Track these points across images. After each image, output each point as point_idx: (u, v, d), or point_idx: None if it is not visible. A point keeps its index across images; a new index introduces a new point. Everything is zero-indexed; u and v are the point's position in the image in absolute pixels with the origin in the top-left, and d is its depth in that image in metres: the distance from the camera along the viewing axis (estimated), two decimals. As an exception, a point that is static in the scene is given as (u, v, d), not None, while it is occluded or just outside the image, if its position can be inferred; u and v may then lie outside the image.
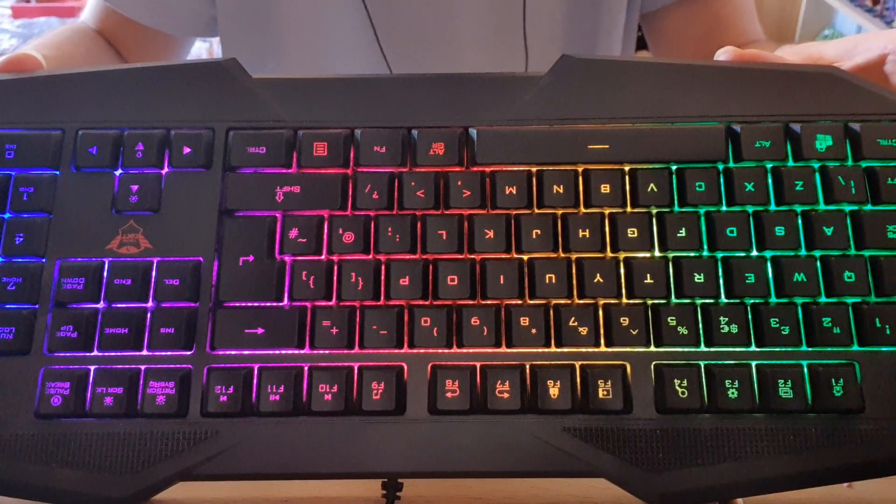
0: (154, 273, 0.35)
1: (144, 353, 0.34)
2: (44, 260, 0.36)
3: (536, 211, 0.36)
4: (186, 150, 0.37)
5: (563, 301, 0.35)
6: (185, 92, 0.38)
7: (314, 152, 0.37)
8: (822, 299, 0.34)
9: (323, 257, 0.35)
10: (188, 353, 0.34)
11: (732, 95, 0.37)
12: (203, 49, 1.92)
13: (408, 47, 0.62)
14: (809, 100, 0.37)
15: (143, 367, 0.34)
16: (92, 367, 0.34)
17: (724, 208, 0.36)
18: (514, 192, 0.36)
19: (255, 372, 0.34)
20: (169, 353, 0.34)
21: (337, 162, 0.37)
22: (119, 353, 0.34)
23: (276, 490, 0.36)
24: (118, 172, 0.37)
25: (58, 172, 0.37)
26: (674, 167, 0.36)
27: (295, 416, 0.34)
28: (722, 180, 0.36)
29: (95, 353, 0.34)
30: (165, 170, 0.37)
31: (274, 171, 0.37)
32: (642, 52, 0.98)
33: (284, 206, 0.36)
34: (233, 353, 0.34)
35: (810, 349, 0.34)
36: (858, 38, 0.40)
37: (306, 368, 0.34)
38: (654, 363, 0.34)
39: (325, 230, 0.36)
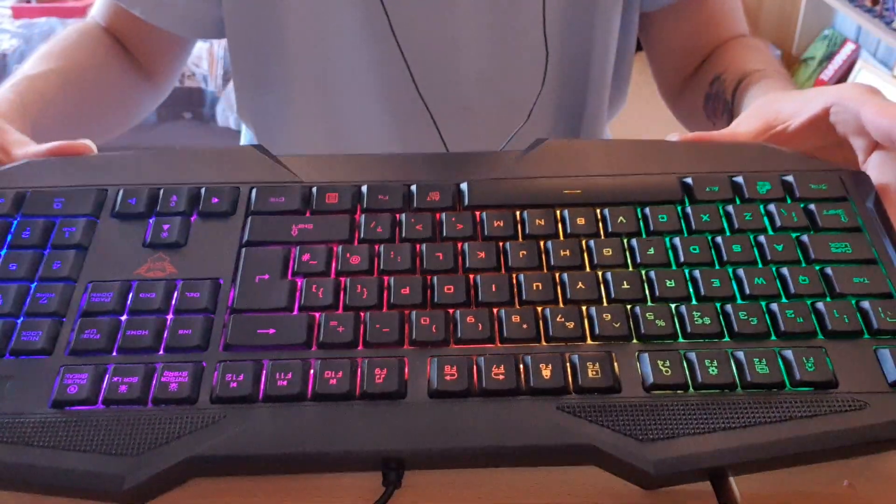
0: (177, 290, 0.39)
1: (161, 353, 0.37)
2: (75, 283, 0.39)
3: (522, 240, 0.41)
4: (215, 199, 0.42)
5: (549, 305, 0.38)
6: (216, 165, 0.44)
7: (326, 200, 0.42)
8: (783, 299, 0.38)
9: (332, 276, 0.39)
10: (202, 352, 0.37)
11: (683, 160, 0.44)
12: (203, 49, 1.86)
13: (412, 43, 0.63)
14: (748, 161, 0.44)
15: (158, 364, 0.36)
16: (110, 365, 0.36)
17: (685, 233, 0.41)
18: (502, 224, 0.41)
19: (265, 364, 0.36)
20: (184, 352, 0.37)
21: (346, 208, 0.42)
22: (137, 354, 0.36)
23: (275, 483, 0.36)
24: (152, 220, 0.42)
25: (97, 219, 0.42)
26: (639, 207, 0.42)
27: (301, 401, 0.35)
28: (681, 215, 0.41)
29: (115, 354, 0.37)
30: (195, 217, 0.42)
31: (291, 215, 0.42)
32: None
33: (299, 240, 0.41)
34: (244, 350, 0.37)
35: (779, 339, 0.37)
36: (808, 94, 0.46)
37: (313, 361, 0.36)
38: (637, 352, 0.37)
39: (335, 256, 0.40)
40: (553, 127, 0.72)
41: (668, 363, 0.36)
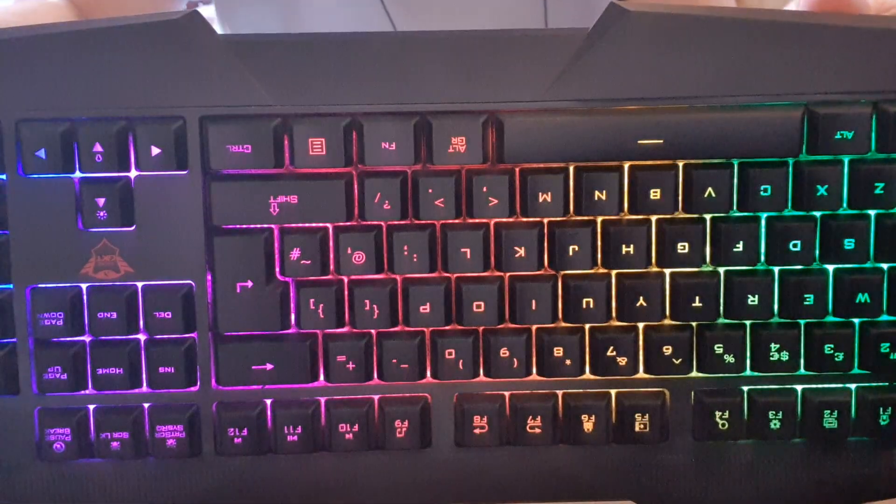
0: (140, 301, 0.31)
1: (145, 390, 0.32)
2: (11, 287, 0.31)
3: (573, 218, 0.31)
4: (155, 150, 0.30)
5: (600, 325, 0.31)
6: (142, 62, 0.31)
7: (310, 150, 0.31)
8: (884, 317, 0.31)
9: (330, 277, 0.31)
10: (192, 390, 0.32)
11: (816, 63, 0.31)
12: None
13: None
14: None
15: (145, 406, 0.32)
16: (90, 407, 0.32)
17: (787, 209, 0.31)
18: (549, 198, 0.31)
19: (269, 409, 0.32)
20: (171, 391, 0.32)
21: (338, 161, 0.31)
22: (116, 393, 0.32)
23: None
24: (77, 176, 0.31)
25: (4, 178, 0.31)
26: (736, 163, 0.31)
27: (315, 453, 0.32)
28: (791, 181, 0.31)
29: (90, 391, 0.32)
30: (133, 173, 0.31)
31: (263, 173, 0.31)
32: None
33: (280, 220, 0.31)
34: (240, 390, 0.32)
35: (858, 372, 0.32)
36: None
37: (323, 402, 0.32)
38: (692, 391, 0.32)
39: (331, 248, 0.31)
40: None
41: (726, 414, 0.32)
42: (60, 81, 0.31)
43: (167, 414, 0.31)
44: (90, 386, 0.31)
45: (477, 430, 0.32)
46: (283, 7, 0.57)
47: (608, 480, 0.32)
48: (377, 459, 0.32)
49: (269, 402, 0.32)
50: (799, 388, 0.32)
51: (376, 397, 0.32)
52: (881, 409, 0.32)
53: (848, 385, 0.32)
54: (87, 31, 0.31)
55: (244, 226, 0.31)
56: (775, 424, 0.32)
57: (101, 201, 0.31)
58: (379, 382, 0.32)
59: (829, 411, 0.31)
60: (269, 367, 0.31)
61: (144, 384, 0.32)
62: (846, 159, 0.31)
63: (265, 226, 0.31)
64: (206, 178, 0.31)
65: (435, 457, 0.32)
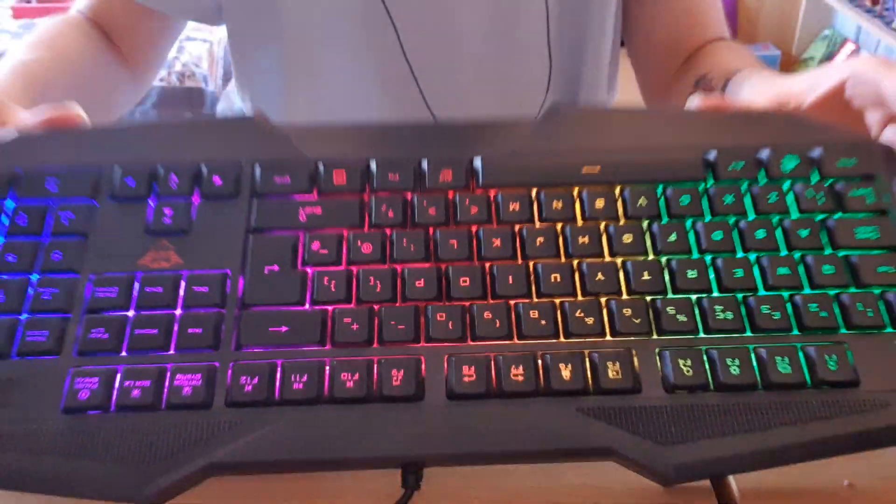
0: (183, 283, 0.37)
1: (172, 352, 0.36)
2: (78, 276, 0.38)
3: (538, 224, 0.39)
4: (217, 180, 0.40)
5: (568, 298, 0.37)
6: (215, 139, 0.42)
7: (334, 180, 0.40)
8: (807, 290, 0.37)
9: (343, 267, 0.38)
10: (214, 351, 0.36)
11: (706, 130, 0.42)
12: (203, 49, 1.84)
13: (410, 31, 0.63)
14: (772, 133, 0.42)
15: (169, 366, 0.35)
16: (120, 367, 0.35)
17: (707, 216, 0.39)
18: (517, 208, 0.40)
19: (279, 366, 0.35)
20: (195, 352, 0.36)
21: (355, 188, 0.40)
22: (147, 354, 0.36)
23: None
24: (152, 202, 0.40)
25: (96, 203, 0.40)
26: (660, 186, 0.40)
27: (317, 405, 0.35)
28: (704, 196, 0.40)
29: (124, 354, 0.36)
30: (197, 199, 0.40)
31: (298, 197, 0.40)
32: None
33: (307, 226, 0.39)
34: (257, 350, 0.36)
35: (801, 333, 0.36)
36: (820, 71, 0.45)
37: (328, 361, 0.35)
38: (657, 349, 0.36)
39: (345, 243, 0.39)
40: None
41: (689, 362, 0.35)
42: (152, 152, 0.42)
43: (188, 368, 0.35)
44: (125, 350, 0.36)
45: (466, 379, 0.35)
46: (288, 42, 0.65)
47: (586, 429, 0.34)
48: (374, 411, 0.35)
49: (280, 362, 0.36)
50: (750, 346, 0.36)
51: (376, 358, 0.36)
52: (827, 357, 0.35)
53: (793, 344, 0.36)
54: (179, 123, 0.43)
55: (277, 231, 0.39)
56: (735, 370, 0.35)
57: (168, 212, 0.39)
58: (378, 347, 0.36)
59: (780, 359, 0.35)
60: (283, 329, 0.36)
61: (173, 347, 0.36)
62: (744, 183, 0.40)
63: (294, 231, 0.39)
64: (252, 199, 0.40)
65: (427, 408, 0.35)
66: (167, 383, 0.35)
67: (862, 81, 0.42)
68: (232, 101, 0.81)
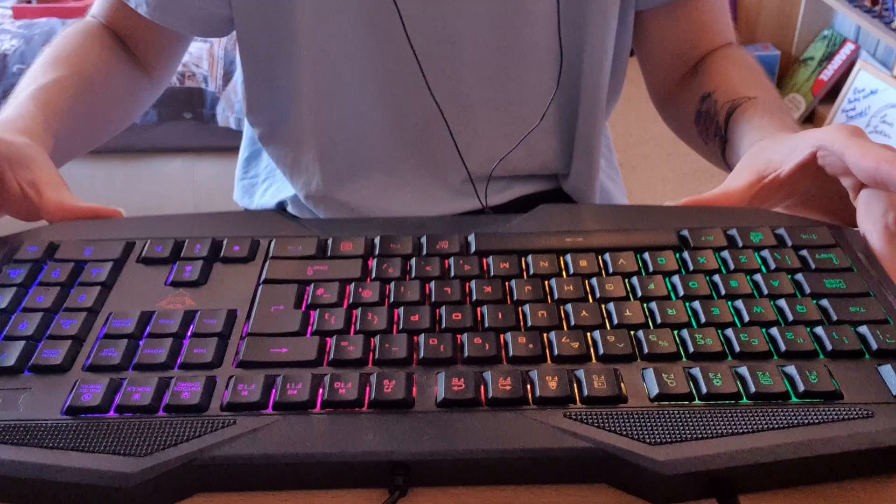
0: (194, 319, 0.40)
1: (176, 369, 0.38)
2: (98, 312, 0.41)
3: (527, 278, 0.42)
4: (236, 248, 0.45)
5: (555, 329, 0.39)
6: (239, 222, 0.47)
7: (341, 249, 0.45)
8: (783, 323, 0.39)
9: (344, 306, 0.41)
10: (216, 368, 0.38)
11: (679, 218, 0.47)
12: (203, 49, 1.77)
13: (416, 41, 0.62)
14: (741, 219, 0.47)
15: (173, 378, 0.37)
16: (125, 378, 0.37)
17: (683, 272, 0.42)
18: (508, 266, 0.43)
19: (276, 376, 0.37)
20: (198, 369, 0.37)
21: (359, 254, 0.44)
22: (152, 371, 0.37)
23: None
24: (175, 264, 0.44)
25: (124, 263, 0.44)
26: (639, 254, 0.44)
27: (310, 409, 0.35)
28: (679, 259, 0.43)
29: (131, 371, 0.37)
30: (216, 262, 0.44)
31: (307, 260, 0.44)
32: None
33: (314, 278, 0.43)
34: (257, 367, 0.38)
35: (781, 358, 0.38)
36: (795, 140, 0.49)
37: (324, 375, 0.37)
38: (642, 368, 0.37)
39: (348, 289, 0.42)
40: (554, 127, 0.72)
41: (672, 376, 0.36)
42: (179, 233, 0.47)
43: (189, 378, 0.37)
44: (132, 369, 0.38)
45: (455, 388, 0.36)
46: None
47: (574, 432, 0.34)
48: (366, 417, 0.35)
49: (278, 377, 0.37)
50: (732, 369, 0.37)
51: (370, 374, 0.37)
52: (807, 371, 0.36)
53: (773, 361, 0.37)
54: (210, 215, 0.49)
55: (286, 283, 0.42)
56: (717, 382, 0.36)
57: (189, 268, 0.43)
58: (373, 368, 0.38)
59: (762, 374, 0.36)
60: (284, 350, 0.38)
61: (178, 367, 0.38)
62: (716, 253, 0.44)
63: (302, 283, 0.42)
64: (265, 261, 0.44)
65: (417, 415, 0.35)
66: (168, 390, 0.36)
67: (829, 152, 0.46)
68: (232, 102, 0.79)
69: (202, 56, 1.74)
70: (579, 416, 0.35)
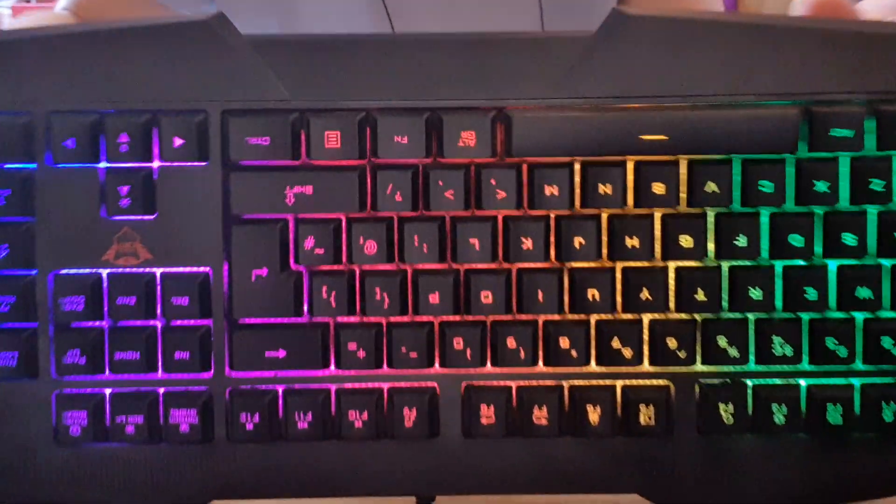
0: (159, 287, 0.32)
1: (160, 375, 0.32)
2: (35, 272, 0.32)
3: (580, 211, 0.32)
4: (178, 141, 0.32)
5: (606, 316, 0.32)
6: (168, 59, 0.32)
7: (325, 143, 0.32)
8: (886, 313, 0.32)
9: (343, 267, 0.32)
10: (206, 375, 0.32)
11: (812, 64, 0.32)
12: None
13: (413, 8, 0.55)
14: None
15: (160, 391, 0.32)
16: (107, 391, 0.32)
17: (789, 208, 0.32)
18: (556, 192, 0.32)
19: (280, 396, 0.32)
20: (186, 376, 0.32)
21: (352, 154, 0.32)
22: (133, 377, 0.32)
23: None
24: (102, 166, 0.32)
25: (34, 166, 0.32)
26: (737, 159, 0.32)
27: (325, 440, 0.32)
28: (791, 176, 0.32)
29: (108, 375, 0.32)
30: (156, 164, 0.32)
31: (281, 165, 0.32)
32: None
33: (296, 209, 0.32)
34: (254, 375, 0.32)
35: (863, 367, 0.32)
36: None
37: (333, 390, 0.32)
38: (697, 383, 0.32)
39: (344, 237, 0.32)
40: None
41: (730, 407, 0.32)
42: (90, 76, 0.32)
43: (181, 399, 0.32)
44: (107, 370, 0.32)
45: (484, 420, 0.32)
46: (283, 8, 0.58)
47: (613, 472, 0.32)
48: (386, 448, 0.33)
49: (280, 389, 0.32)
50: (803, 382, 0.32)
51: (385, 386, 0.32)
52: (884, 404, 0.32)
53: (851, 380, 0.32)
54: (117, 30, 0.32)
55: (261, 215, 0.32)
56: (779, 419, 0.32)
57: (125, 190, 0.32)
58: (388, 371, 0.32)
59: (832, 406, 0.32)
60: (281, 353, 0.32)
61: (160, 369, 0.32)
62: (845, 156, 0.32)
63: (281, 216, 0.32)
64: (225, 168, 0.32)
65: (443, 446, 0.33)
66: (161, 416, 0.32)
67: None
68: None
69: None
70: (618, 454, 0.32)
